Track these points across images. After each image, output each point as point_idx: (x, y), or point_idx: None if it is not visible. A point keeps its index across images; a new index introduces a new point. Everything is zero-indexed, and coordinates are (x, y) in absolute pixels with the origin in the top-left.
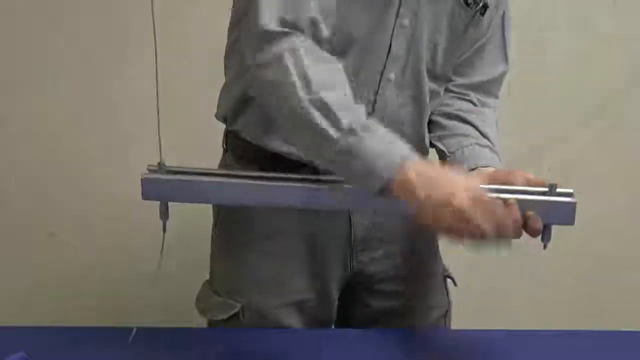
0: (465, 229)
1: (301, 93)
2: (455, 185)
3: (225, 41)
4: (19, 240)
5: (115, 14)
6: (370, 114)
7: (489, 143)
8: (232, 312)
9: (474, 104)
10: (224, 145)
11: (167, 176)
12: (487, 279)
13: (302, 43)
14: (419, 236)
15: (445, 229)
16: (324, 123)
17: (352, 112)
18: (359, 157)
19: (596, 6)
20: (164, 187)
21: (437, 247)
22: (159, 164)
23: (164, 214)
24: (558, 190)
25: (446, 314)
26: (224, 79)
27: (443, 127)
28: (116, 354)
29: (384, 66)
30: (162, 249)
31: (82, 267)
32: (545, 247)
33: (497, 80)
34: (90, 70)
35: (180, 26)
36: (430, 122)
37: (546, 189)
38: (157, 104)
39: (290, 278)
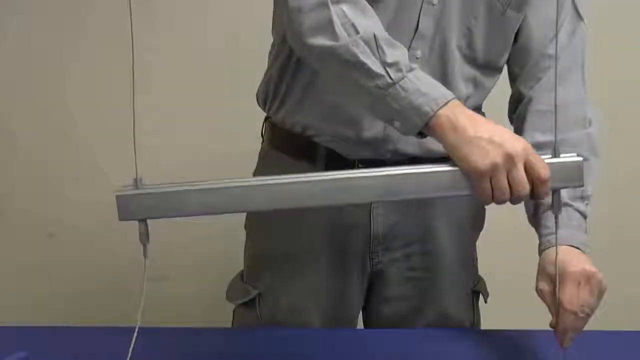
0: (510, 171)
1: (344, 33)
2: (505, 130)
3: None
4: (19, 240)
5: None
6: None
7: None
8: (249, 297)
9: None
10: (262, 135)
11: (146, 190)
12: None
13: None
14: (444, 237)
15: (489, 167)
16: (368, 60)
17: (397, 51)
18: (403, 91)
19: None
20: (143, 203)
21: (467, 256)
22: (135, 180)
23: (145, 235)
24: (562, 155)
25: None
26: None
27: None
28: (116, 354)
29: (410, 42)
30: (144, 279)
31: (82, 267)
32: (556, 218)
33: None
34: (92, 70)
35: None
36: None
37: (549, 155)
38: (133, 113)
39: (307, 267)
